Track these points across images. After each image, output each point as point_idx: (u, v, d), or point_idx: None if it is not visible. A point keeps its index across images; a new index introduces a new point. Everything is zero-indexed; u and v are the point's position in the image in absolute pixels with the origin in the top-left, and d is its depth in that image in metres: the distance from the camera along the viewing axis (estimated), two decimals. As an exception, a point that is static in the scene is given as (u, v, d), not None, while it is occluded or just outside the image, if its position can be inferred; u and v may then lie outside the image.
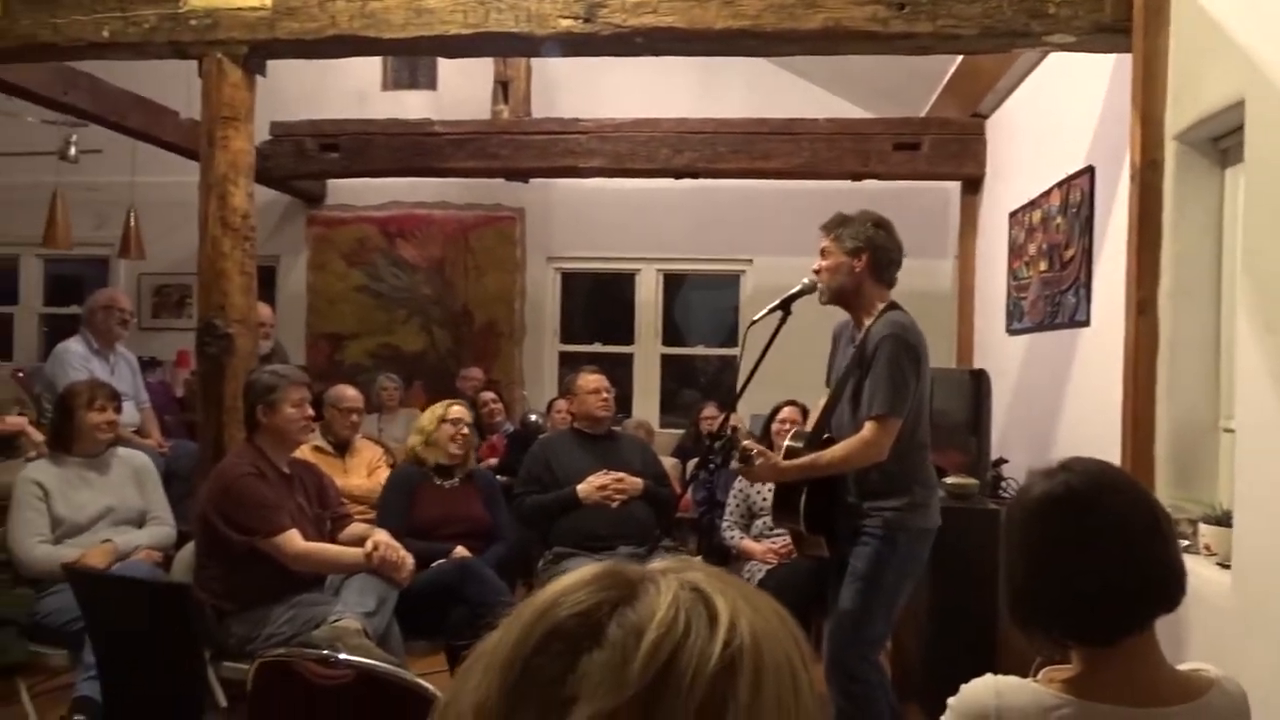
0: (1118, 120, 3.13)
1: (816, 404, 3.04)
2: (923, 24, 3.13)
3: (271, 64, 3.72)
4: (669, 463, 4.80)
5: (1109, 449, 2.79)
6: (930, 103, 5.32)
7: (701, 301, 7.03)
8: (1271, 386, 2.07)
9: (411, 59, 6.47)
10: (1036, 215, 4.09)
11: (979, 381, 3.97)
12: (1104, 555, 1.18)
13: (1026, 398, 4.19)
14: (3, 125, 5.50)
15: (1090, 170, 3.49)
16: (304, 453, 3.66)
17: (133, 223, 5.80)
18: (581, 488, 3.62)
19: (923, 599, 3.39)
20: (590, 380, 3.84)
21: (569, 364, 6.36)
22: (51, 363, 4.58)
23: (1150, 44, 2.80)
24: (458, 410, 3.80)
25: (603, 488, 3.62)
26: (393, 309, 6.67)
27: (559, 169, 5.48)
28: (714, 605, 0.53)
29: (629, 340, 6.72)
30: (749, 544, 3.99)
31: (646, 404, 6.62)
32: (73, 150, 5.49)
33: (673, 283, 6.77)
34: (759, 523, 4.04)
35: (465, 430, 3.75)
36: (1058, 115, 3.96)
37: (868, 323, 2.69)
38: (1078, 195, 3.59)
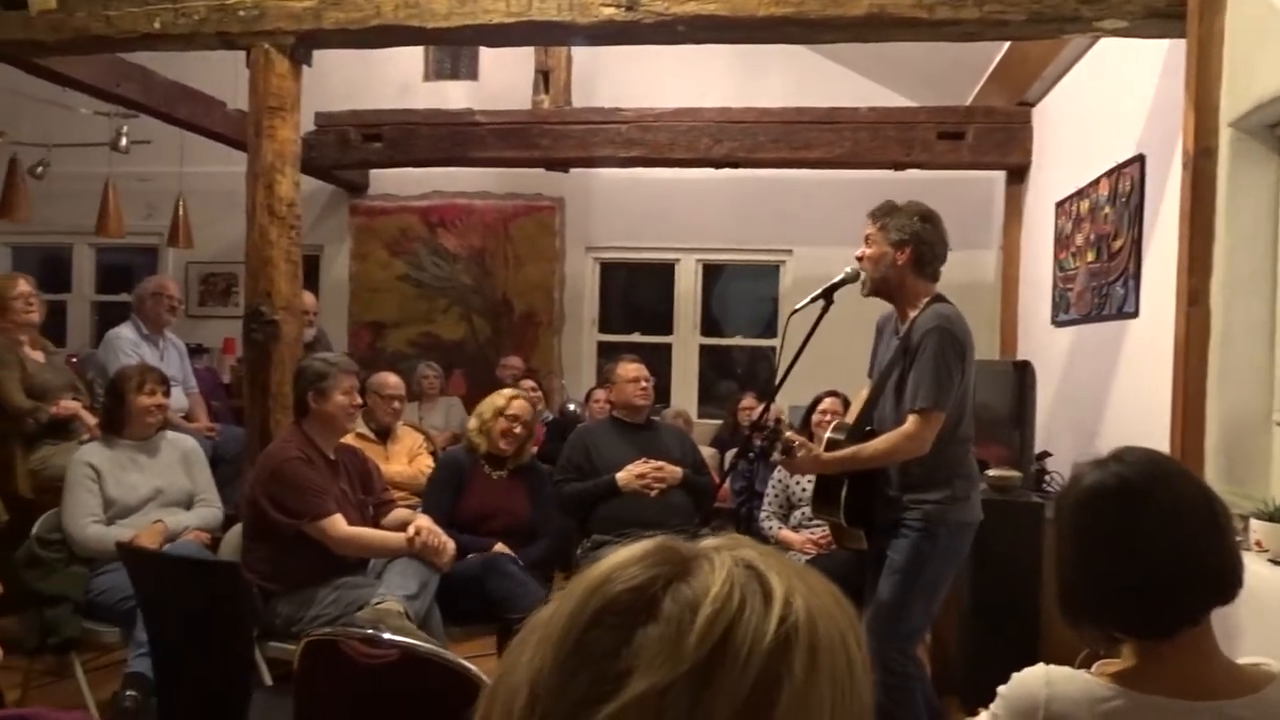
0: (1170, 107, 3.07)
1: (858, 395, 3.02)
2: (969, 10, 3.09)
3: (316, 56, 3.77)
4: (707, 453, 4.80)
5: (1157, 443, 2.73)
6: (975, 91, 5.25)
7: (740, 292, 7.00)
8: (1329, 379, 2.02)
9: (453, 49, 6.51)
10: (1084, 205, 4.03)
11: (1023, 374, 3.91)
12: (1158, 547, 1.16)
13: (1072, 390, 4.13)
14: (58, 117, 5.63)
15: (1140, 159, 3.43)
16: (347, 438, 3.71)
17: (181, 212, 5.91)
18: (620, 476, 3.63)
19: (963, 592, 3.36)
20: (629, 369, 3.85)
21: (607, 354, 6.37)
22: (103, 348, 4.69)
23: (1205, 28, 2.74)
24: (517, 406, 3.66)
25: (642, 476, 3.63)
26: (433, 298, 6.73)
27: (599, 159, 5.49)
28: (768, 582, 0.54)
29: (667, 330, 6.72)
30: (787, 534, 3.98)
31: (685, 394, 6.62)
32: (124, 141, 5.61)
33: (711, 273, 6.75)
34: (797, 513, 4.03)
35: (518, 429, 3.62)
36: (1107, 102, 3.89)
37: (912, 315, 2.66)
38: (1127, 184, 3.52)
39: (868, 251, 2.69)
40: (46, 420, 3.98)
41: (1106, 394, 3.68)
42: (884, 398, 2.70)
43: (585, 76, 6.06)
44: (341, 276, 6.83)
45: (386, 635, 1.83)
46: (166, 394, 3.59)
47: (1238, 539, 1.85)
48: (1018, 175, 5.25)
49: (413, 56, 6.48)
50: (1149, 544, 1.17)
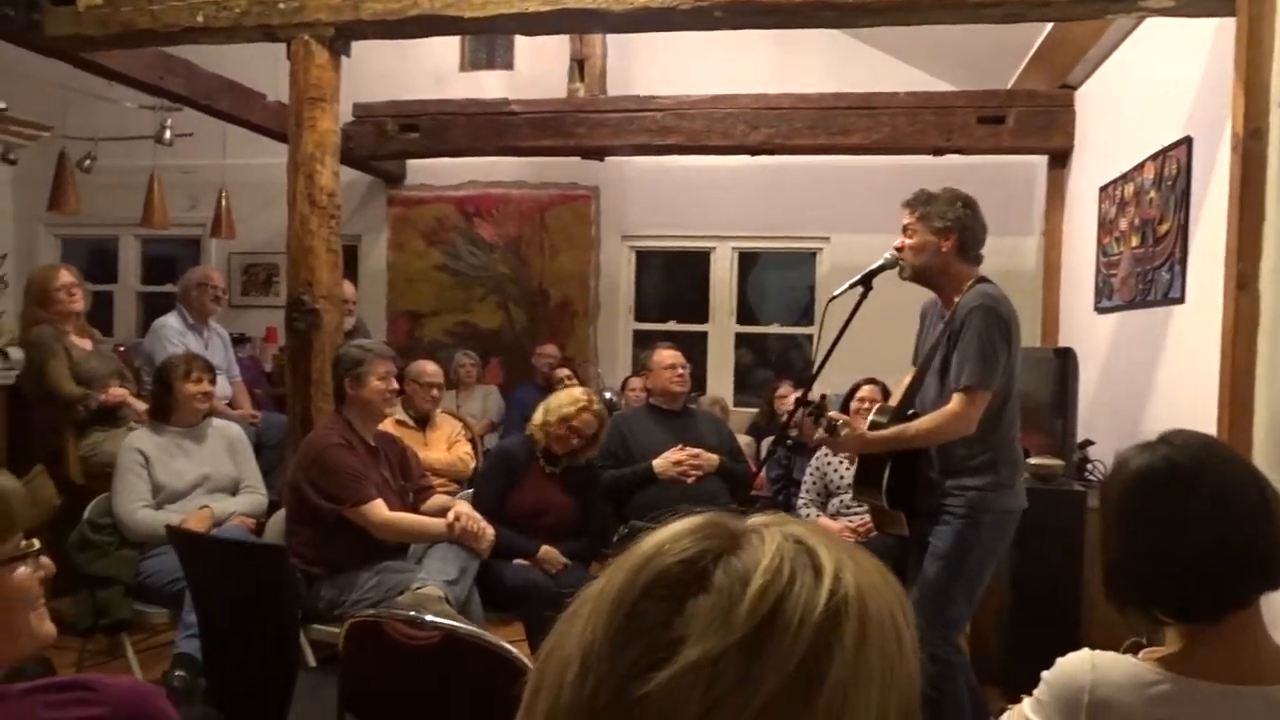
0: (1218, 88, 3.00)
1: (898, 384, 3.00)
2: (1012, -9, 3.04)
3: (354, 47, 3.81)
4: (743, 440, 4.79)
5: (1203, 430, 2.69)
6: (1016, 74, 5.16)
7: (776, 280, 6.97)
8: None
9: (489, 39, 6.53)
10: (1129, 189, 3.95)
11: (1065, 361, 3.87)
12: (1206, 531, 1.15)
13: (1115, 377, 4.07)
14: (104, 111, 5.73)
15: (1188, 141, 3.36)
16: (387, 426, 3.75)
17: (224, 203, 6.01)
18: (657, 463, 3.64)
19: (1004, 581, 3.33)
20: (666, 355, 3.85)
21: (642, 342, 6.37)
22: (150, 337, 4.79)
23: (1255, 6, 2.67)
24: (582, 421, 3.47)
25: (678, 463, 3.64)
26: (470, 287, 6.78)
27: (635, 147, 5.48)
28: (818, 556, 0.54)
29: (703, 319, 6.71)
30: (825, 521, 3.97)
31: (720, 382, 6.60)
32: (168, 134, 5.70)
33: (747, 261, 6.73)
34: (836, 501, 4.01)
35: (575, 441, 3.48)
36: (1153, 84, 3.81)
37: (957, 298, 2.64)
38: (1174, 167, 3.45)
39: (909, 242, 2.66)
40: (96, 407, 4.07)
41: (1151, 381, 3.62)
42: (928, 380, 2.68)
43: (620, 64, 6.06)
44: (379, 266, 6.90)
45: (429, 617, 1.86)
46: (213, 382, 3.66)
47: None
48: (1060, 160, 5.16)
49: (449, 47, 6.50)
50: (1197, 528, 1.15)
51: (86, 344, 4.28)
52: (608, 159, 6.11)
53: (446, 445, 4.38)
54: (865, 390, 4.06)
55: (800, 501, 4.13)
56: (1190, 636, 1.17)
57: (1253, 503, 1.17)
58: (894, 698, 0.52)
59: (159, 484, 3.40)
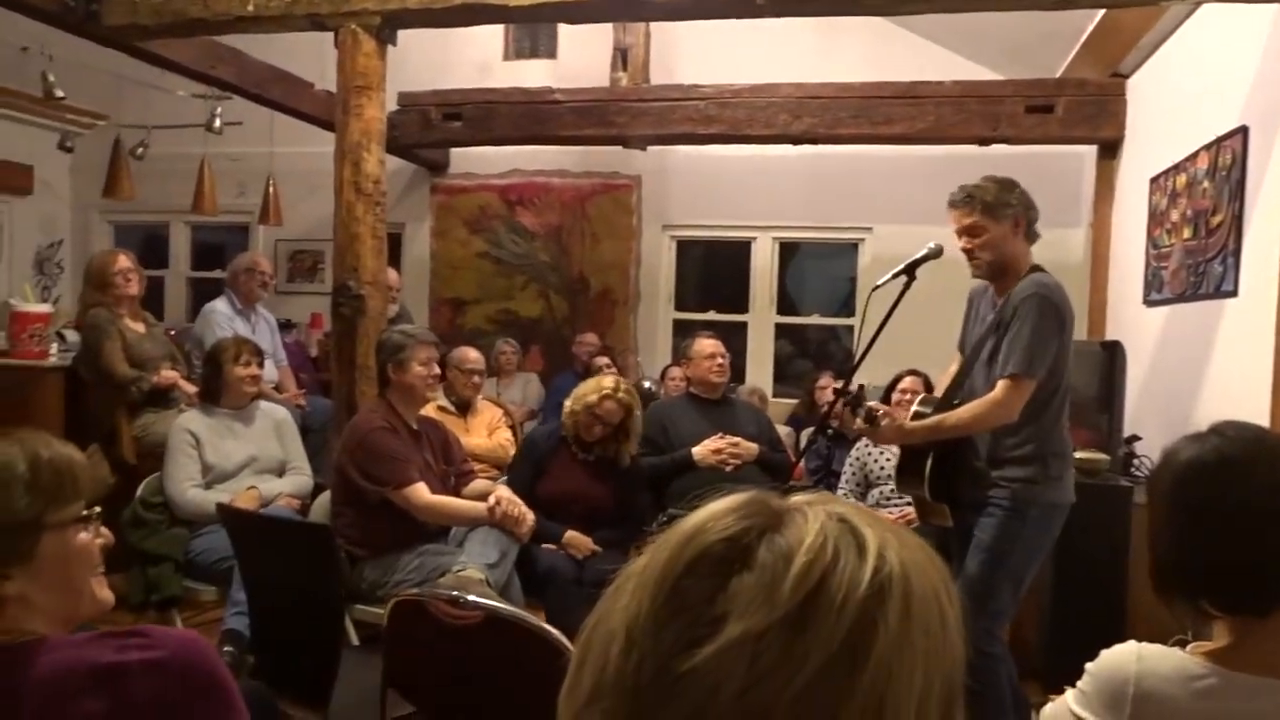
0: (1276, 76, 2.93)
1: (945, 371, 2.97)
2: (1063, -23, 2.99)
3: (399, 36, 3.85)
4: (782, 431, 4.78)
5: (1255, 425, 2.64)
6: (1066, 63, 5.07)
7: (817, 270, 6.92)
8: None
9: (532, 28, 6.55)
10: (1181, 179, 3.87)
11: (1113, 355, 3.80)
12: (1256, 524, 1.13)
13: (1163, 372, 3.99)
14: (157, 100, 5.86)
15: (1243, 130, 3.28)
16: (429, 411, 3.79)
17: (271, 191, 6.10)
18: (696, 451, 3.65)
19: (1046, 576, 3.29)
20: (706, 345, 3.85)
21: (682, 332, 6.38)
22: (199, 322, 4.89)
23: (1318, -8, 2.61)
24: (606, 409, 3.46)
25: (718, 452, 3.64)
26: (512, 275, 6.82)
27: (677, 136, 5.48)
28: (862, 535, 0.54)
29: (743, 309, 6.69)
30: (864, 513, 3.94)
31: (760, 373, 6.59)
32: (218, 122, 5.80)
33: (788, 251, 6.69)
34: (875, 492, 3.99)
35: (597, 428, 3.49)
36: (1208, 72, 3.72)
37: (1011, 287, 2.61)
38: (1228, 157, 3.38)
39: (978, 241, 2.60)
40: (148, 389, 4.17)
41: (1201, 375, 3.55)
42: (976, 369, 2.64)
43: (663, 53, 6.05)
44: (423, 254, 6.97)
45: (471, 597, 1.89)
46: (261, 365, 3.73)
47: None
48: (1110, 150, 5.07)
49: (493, 36, 6.54)
50: (1247, 520, 1.14)
51: (140, 327, 4.38)
52: (649, 148, 6.11)
53: (487, 431, 4.43)
54: (907, 382, 4.02)
55: (840, 493, 4.11)
56: (1238, 631, 1.16)
57: None
58: (938, 676, 0.52)
59: (208, 464, 3.48)
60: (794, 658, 0.50)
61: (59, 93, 5.20)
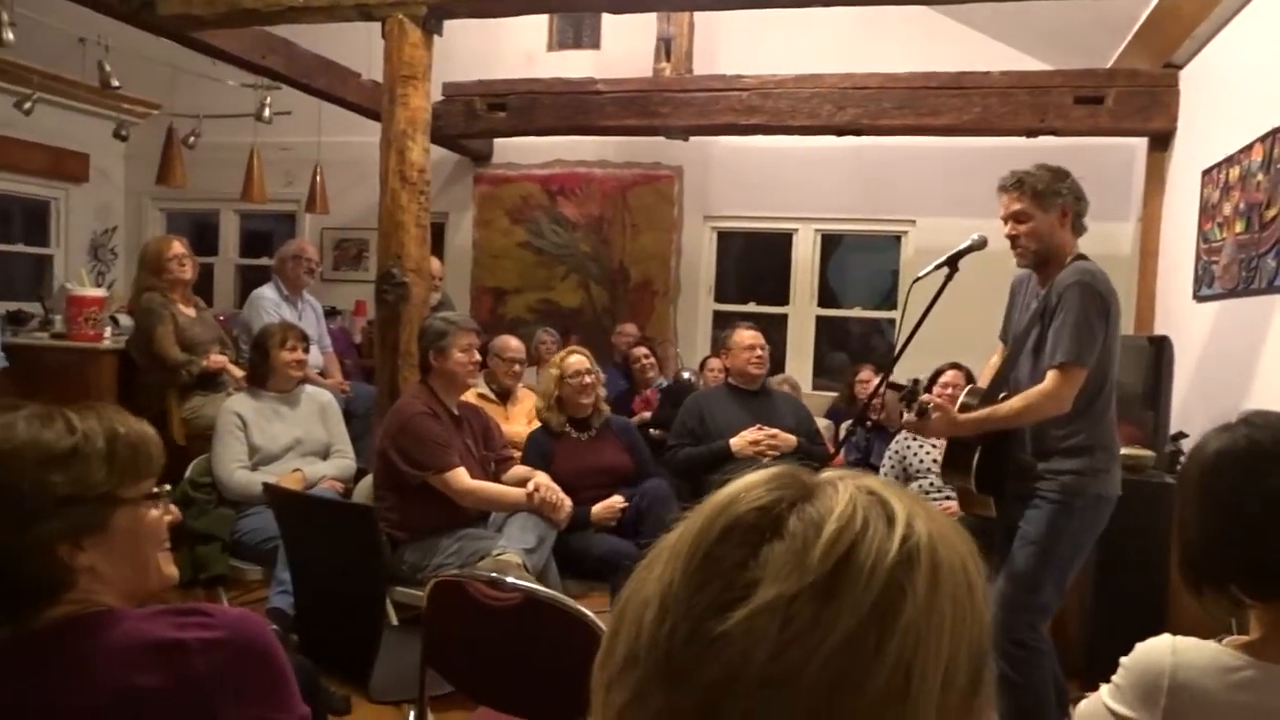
0: (1336, 65, 2.85)
1: (988, 363, 2.94)
2: (1115, -35, 2.94)
3: (445, 27, 3.89)
4: (821, 424, 4.76)
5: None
6: (1117, 53, 4.97)
7: (859, 263, 6.87)
8: None
9: (576, 19, 6.58)
10: (1234, 172, 3.79)
11: (1160, 350, 3.74)
12: None
13: (1212, 368, 3.91)
14: (209, 89, 5.97)
15: (1301, 122, 3.20)
16: (469, 398, 3.84)
17: (318, 180, 6.20)
18: (734, 441, 3.65)
19: (1088, 573, 3.25)
20: (746, 336, 3.85)
21: (722, 323, 6.37)
22: (247, 307, 4.99)
23: (1381, -21, 2.53)
24: (574, 362, 3.65)
25: (755, 443, 3.64)
26: (553, 265, 6.87)
27: (719, 126, 5.46)
28: (891, 506, 0.55)
29: (784, 301, 6.66)
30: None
31: (800, 365, 6.56)
32: (267, 112, 5.90)
33: (830, 243, 6.65)
34: (914, 485, 3.97)
35: (588, 379, 3.62)
36: (1264, 63, 3.63)
37: (1054, 276, 2.57)
38: (1284, 149, 3.30)
39: (1023, 228, 2.57)
40: (198, 372, 4.27)
41: (1251, 372, 3.47)
42: (1021, 359, 2.61)
43: (706, 44, 6.04)
44: (465, 243, 7.04)
45: (510, 579, 1.92)
46: (306, 350, 3.80)
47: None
48: (1161, 142, 4.96)
49: (537, 27, 6.57)
50: (1275, 509, 1.12)
51: (191, 311, 4.48)
52: (692, 139, 6.11)
53: (527, 419, 4.46)
54: (949, 375, 3.99)
55: (878, 485, 4.08)
56: (1273, 623, 1.15)
57: None
58: (964, 644, 0.53)
59: (255, 446, 3.55)
60: (823, 623, 0.51)
61: (115, 82, 5.33)
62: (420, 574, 3.08)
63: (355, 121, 5.72)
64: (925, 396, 2.59)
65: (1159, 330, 4.67)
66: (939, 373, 4.05)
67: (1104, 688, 1.27)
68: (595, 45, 6.62)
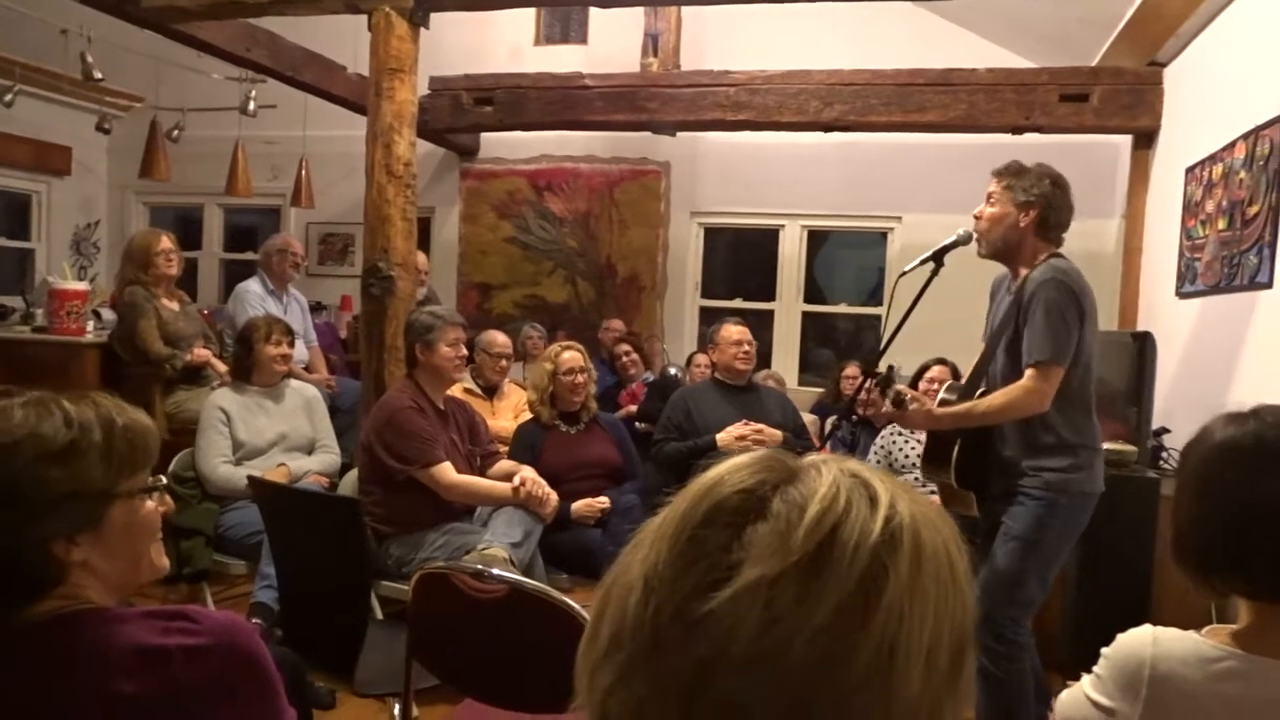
0: (1318, 63, 2.88)
1: (969, 365, 2.95)
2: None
3: (432, 20, 3.87)
4: (807, 419, 4.77)
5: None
6: (1102, 51, 5.00)
7: (846, 259, 6.89)
8: None
9: (563, 13, 6.56)
10: (1217, 170, 3.82)
11: (1143, 345, 3.76)
12: None
13: (1195, 364, 3.95)
14: (193, 82, 5.93)
15: (1283, 119, 3.23)
16: (455, 393, 3.83)
17: (304, 174, 6.17)
18: (720, 437, 3.66)
19: (1071, 568, 3.28)
20: (733, 332, 3.86)
21: (709, 319, 6.37)
22: (232, 301, 4.96)
23: (1362, -23, 2.55)
24: (569, 359, 3.68)
25: (742, 438, 3.64)
26: (539, 260, 6.85)
27: (707, 122, 5.46)
28: (874, 489, 0.56)
29: (770, 297, 6.68)
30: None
31: (786, 361, 6.57)
32: (252, 105, 5.86)
33: (816, 239, 6.66)
34: (900, 479, 3.98)
35: (580, 377, 3.66)
36: (1248, 60, 3.66)
37: (1025, 272, 2.59)
38: (1266, 147, 3.32)
39: (988, 210, 2.60)
40: (181, 366, 4.24)
41: (1233, 368, 3.50)
42: (997, 357, 2.62)
43: (694, 40, 6.03)
44: (451, 238, 7.01)
45: (495, 571, 1.92)
46: (291, 344, 3.78)
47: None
48: (1145, 139, 5.00)
49: (524, 21, 6.55)
50: (1272, 509, 1.12)
51: (175, 305, 4.45)
52: (679, 134, 6.11)
53: (513, 415, 4.46)
54: (935, 370, 4.01)
55: (863, 480, 4.09)
56: (1261, 613, 1.15)
57: None
58: (947, 625, 0.54)
59: (239, 441, 3.53)
60: (808, 602, 0.51)
61: (98, 75, 5.28)
62: (406, 568, 3.07)
63: (341, 115, 5.69)
64: (900, 386, 2.60)
65: (1142, 326, 4.70)
66: (925, 368, 4.07)
67: (1085, 678, 1.27)
68: (583, 40, 6.61)
